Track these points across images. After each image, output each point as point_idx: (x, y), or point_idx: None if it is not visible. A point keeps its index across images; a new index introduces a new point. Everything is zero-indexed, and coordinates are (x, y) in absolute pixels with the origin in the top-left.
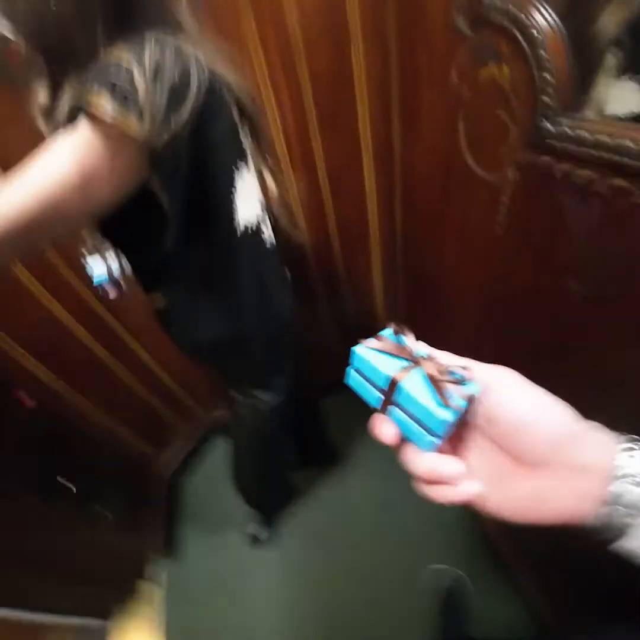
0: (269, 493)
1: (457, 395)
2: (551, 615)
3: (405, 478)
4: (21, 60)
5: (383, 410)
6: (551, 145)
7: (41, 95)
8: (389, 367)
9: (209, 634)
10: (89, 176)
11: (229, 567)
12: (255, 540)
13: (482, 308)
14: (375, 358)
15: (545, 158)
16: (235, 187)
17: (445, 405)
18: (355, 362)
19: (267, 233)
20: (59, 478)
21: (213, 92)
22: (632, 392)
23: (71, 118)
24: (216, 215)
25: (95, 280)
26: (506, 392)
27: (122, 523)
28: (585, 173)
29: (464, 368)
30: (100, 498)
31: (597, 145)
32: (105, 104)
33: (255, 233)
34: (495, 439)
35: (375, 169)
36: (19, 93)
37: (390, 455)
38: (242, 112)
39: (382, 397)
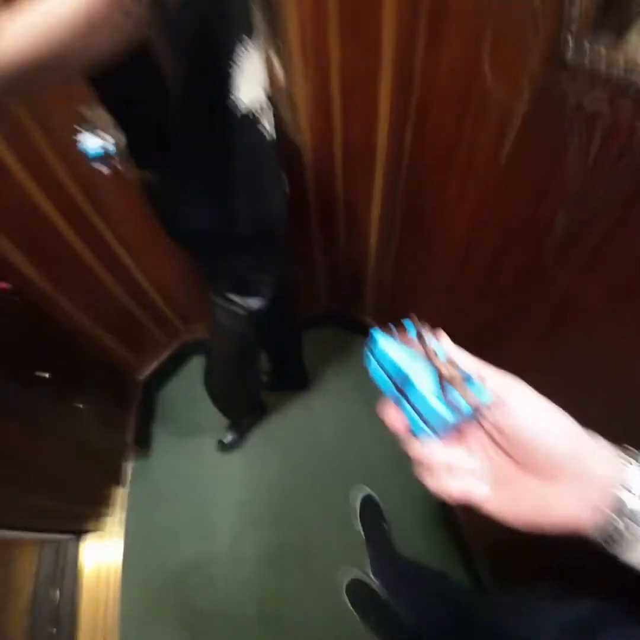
0: (239, 402)
1: (465, 399)
2: (488, 576)
3: (366, 409)
4: None
5: (395, 400)
6: (569, 68)
7: None
8: (406, 361)
9: (168, 527)
10: (94, 20)
11: (195, 469)
12: (222, 445)
13: (469, 247)
14: (393, 350)
15: (561, 80)
16: (236, 61)
17: (450, 406)
18: (374, 348)
19: (269, 125)
20: (37, 372)
21: None
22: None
23: None
24: (215, 86)
25: (90, 154)
26: (518, 405)
27: (96, 421)
28: (596, 99)
29: (479, 375)
30: (76, 393)
31: (610, 73)
32: None
33: (255, 120)
34: (504, 446)
35: (393, 83)
36: None
37: (357, 387)
38: None
39: (395, 388)
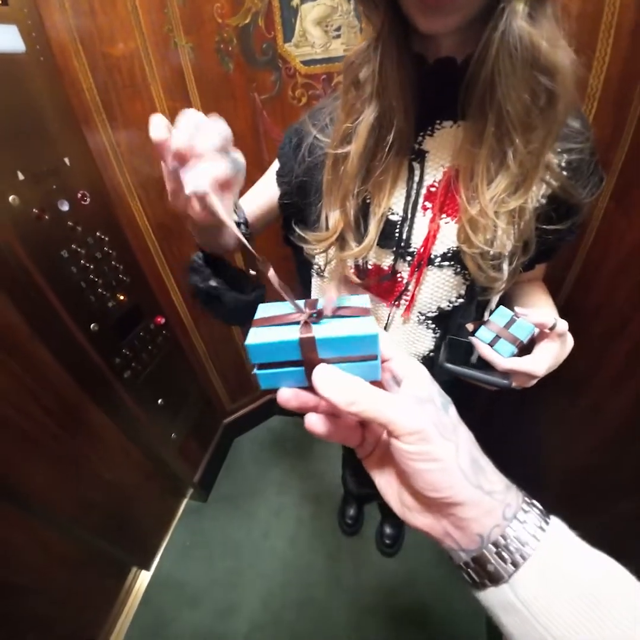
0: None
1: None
2: None
3: None
4: None
5: (311, 376)
6: None
7: None
8: (290, 333)
9: (193, 587)
10: None
11: (242, 535)
12: (384, 547)
13: None
14: (271, 336)
15: None
16: None
17: (364, 324)
18: (255, 357)
19: None
20: (159, 400)
21: None
22: None
23: None
24: None
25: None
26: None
27: (179, 452)
28: None
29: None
30: (174, 423)
31: None
32: None
33: None
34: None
35: None
36: None
37: None
38: None
39: (303, 366)
